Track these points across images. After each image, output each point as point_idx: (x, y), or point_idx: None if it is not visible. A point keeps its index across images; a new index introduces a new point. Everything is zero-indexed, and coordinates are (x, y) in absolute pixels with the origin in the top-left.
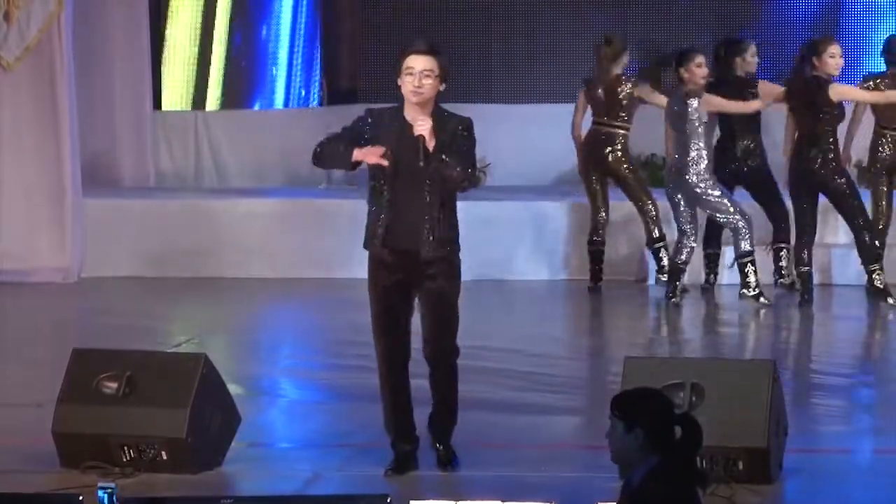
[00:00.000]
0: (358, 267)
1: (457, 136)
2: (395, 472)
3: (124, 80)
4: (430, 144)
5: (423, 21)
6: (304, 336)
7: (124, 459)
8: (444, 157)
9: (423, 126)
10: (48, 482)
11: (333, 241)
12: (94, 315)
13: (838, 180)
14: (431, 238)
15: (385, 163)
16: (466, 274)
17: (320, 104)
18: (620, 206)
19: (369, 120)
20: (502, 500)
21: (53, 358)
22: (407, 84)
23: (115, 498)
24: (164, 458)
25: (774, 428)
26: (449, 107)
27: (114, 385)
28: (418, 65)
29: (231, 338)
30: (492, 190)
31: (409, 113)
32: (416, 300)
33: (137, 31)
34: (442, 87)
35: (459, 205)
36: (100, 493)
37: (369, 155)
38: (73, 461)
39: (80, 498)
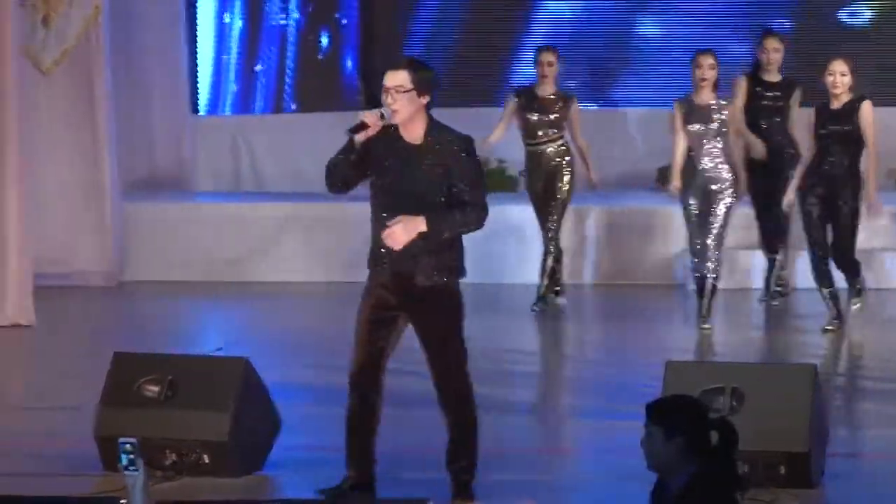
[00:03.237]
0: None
1: (461, 162)
2: (342, 488)
3: (162, 85)
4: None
5: (466, 24)
6: (345, 340)
7: (166, 463)
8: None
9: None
10: (90, 485)
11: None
12: (134, 319)
13: None
14: (428, 264)
15: (377, 124)
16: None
17: (358, 107)
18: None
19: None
20: None
21: (95, 361)
22: (385, 103)
23: (137, 448)
24: (206, 461)
25: (816, 432)
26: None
27: (155, 388)
28: (389, 81)
29: (271, 341)
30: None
31: (404, 132)
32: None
33: (175, 35)
34: (424, 101)
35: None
36: (122, 443)
37: (367, 117)
38: (114, 464)
39: (122, 501)
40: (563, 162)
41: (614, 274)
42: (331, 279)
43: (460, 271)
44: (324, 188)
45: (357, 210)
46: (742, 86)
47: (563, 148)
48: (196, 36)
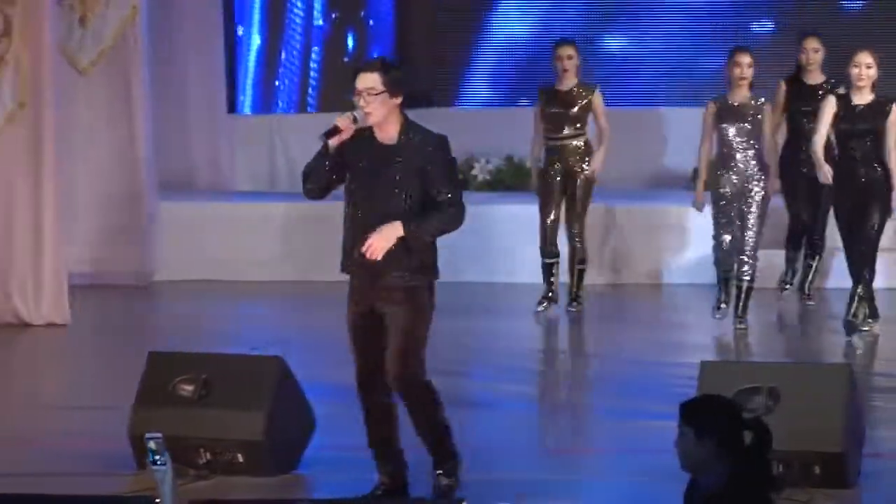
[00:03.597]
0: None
1: (436, 161)
2: (375, 495)
3: (199, 84)
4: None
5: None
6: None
7: (200, 462)
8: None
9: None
10: (124, 485)
11: None
12: (169, 318)
13: None
14: (398, 264)
15: (350, 127)
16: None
17: None
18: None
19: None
20: None
21: (129, 361)
22: (358, 105)
23: (162, 443)
24: (241, 460)
25: (851, 433)
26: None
27: (190, 388)
28: (360, 83)
29: (305, 341)
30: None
31: (378, 133)
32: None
33: (211, 34)
34: (396, 101)
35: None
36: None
37: (339, 121)
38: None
39: (157, 501)
40: (584, 160)
41: (648, 274)
42: None
43: (434, 271)
44: None
45: None
46: (782, 89)
47: (584, 146)
48: (233, 35)
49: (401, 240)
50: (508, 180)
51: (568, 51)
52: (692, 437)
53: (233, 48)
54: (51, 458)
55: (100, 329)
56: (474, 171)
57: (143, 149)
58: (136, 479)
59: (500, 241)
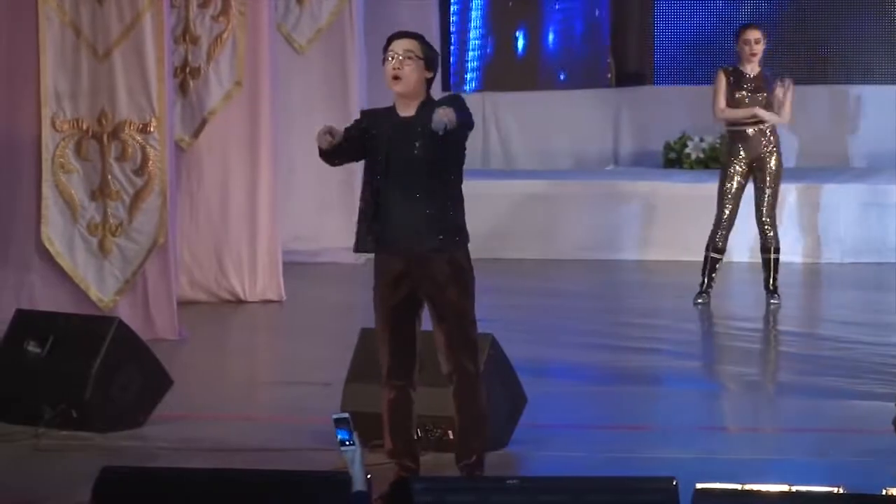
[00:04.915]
0: (643, 248)
1: (440, 103)
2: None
3: None
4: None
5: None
6: (589, 318)
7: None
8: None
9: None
10: (336, 460)
11: (621, 221)
12: None
13: None
14: (432, 231)
15: (331, 142)
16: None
17: (608, 85)
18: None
19: (363, 119)
20: (789, 486)
21: (342, 337)
22: (387, 70)
23: (351, 422)
24: (451, 437)
25: None
26: None
27: None
28: (398, 46)
29: (514, 319)
30: None
31: (400, 106)
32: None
33: (427, 12)
34: (429, 75)
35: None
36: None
37: (319, 141)
38: (361, 440)
39: (368, 476)
40: (772, 143)
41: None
42: (577, 257)
43: (464, 238)
44: (573, 167)
45: (606, 188)
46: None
47: (770, 129)
48: (449, 12)
49: (428, 210)
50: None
51: (756, 34)
52: None
53: (448, 27)
54: (265, 433)
55: (314, 306)
56: (688, 150)
57: None
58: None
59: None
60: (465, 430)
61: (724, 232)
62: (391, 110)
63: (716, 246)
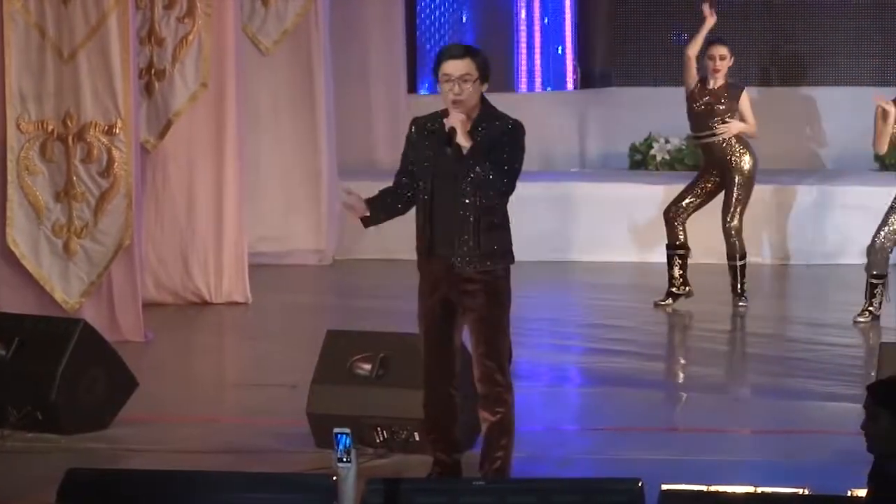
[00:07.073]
0: (610, 250)
1: (498, 143)
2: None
3: (379, 64)
4: (462, 137)
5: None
6: (561, 320)
7: (377, 440)
8: (476, 162)
9: (455, 118)
10: (303, 462)
11: (588, 224)
12: (348, 297)
13: None
14: (469, 250)
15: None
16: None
17: (574, 87)
18: None
19: (412, 130)
20: (754, 487)
21: (308, 339)
22: (445, 92)
23: (352, 439)
24: (418, 439)
25: None
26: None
27: (367, 366)
28: (455, 70)
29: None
30: None
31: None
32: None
33: (392, 13)
34: (484, 88)
35: None
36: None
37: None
38: (327, 442)
39: (334, 479)
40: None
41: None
42: (543, 259)
43: (506, 258)
44: (540, 168)
45: (570, 189)
46: None
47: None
48: (415, 14)
49: (468, 226)
50: (688, 160)
51: (721, 50)
52: (887, 419)
53: (413, 28)
54: (231, 435)
55: (280, 308)
56: (653, 151)
57: (325, 129)
58: (315, 457)
59: None
60: (491, 437)
61: (678, 210)
62: (438, 119)
63: (673, 240)
